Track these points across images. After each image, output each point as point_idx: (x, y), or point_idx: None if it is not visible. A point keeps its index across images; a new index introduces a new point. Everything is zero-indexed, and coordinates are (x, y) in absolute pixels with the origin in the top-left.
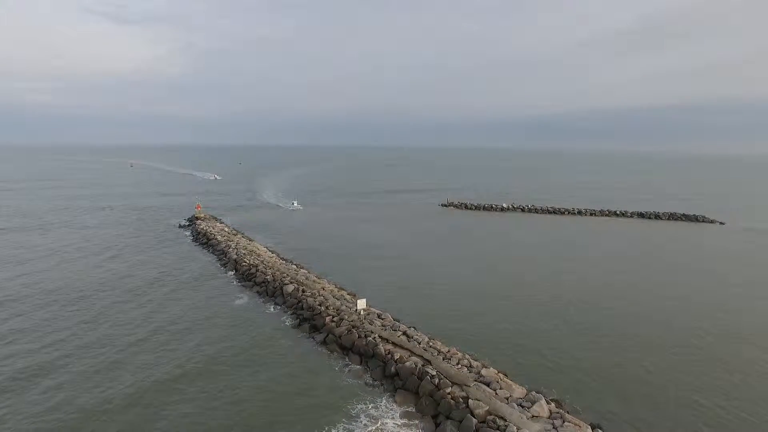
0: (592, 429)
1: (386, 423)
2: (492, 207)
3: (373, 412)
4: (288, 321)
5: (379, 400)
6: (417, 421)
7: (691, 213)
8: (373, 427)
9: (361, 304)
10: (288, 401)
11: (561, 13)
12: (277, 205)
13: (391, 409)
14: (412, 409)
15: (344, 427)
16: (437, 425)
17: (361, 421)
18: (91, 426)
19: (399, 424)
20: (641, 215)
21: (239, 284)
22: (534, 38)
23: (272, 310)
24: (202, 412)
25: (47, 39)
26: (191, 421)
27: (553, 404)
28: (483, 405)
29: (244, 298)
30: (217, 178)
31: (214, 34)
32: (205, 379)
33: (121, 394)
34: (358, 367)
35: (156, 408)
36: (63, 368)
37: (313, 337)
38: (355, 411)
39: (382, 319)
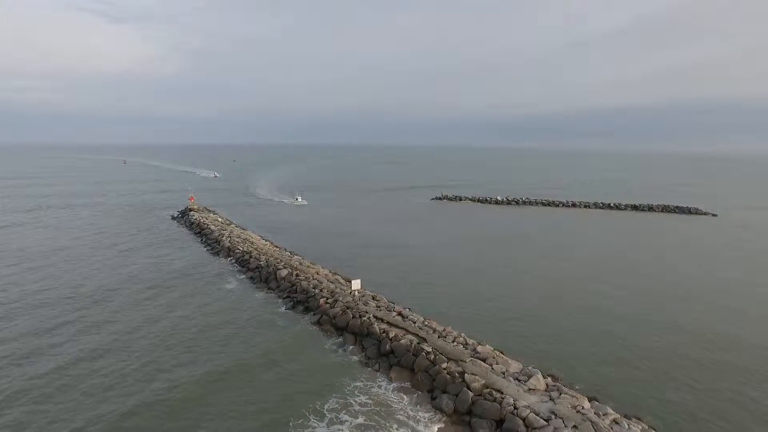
0: (589, 401)
1: (381, 398)
2: (486, 200)
3: (368, 388)
4: (282, 304)
5: (374, 377)
6: (413, 396)
7: (684, 206)
8: (369, 403)
9: (356, 284)
10: (281, 380)
11: (561, 13)
12: (281, 201)
13: (387, 386)
14: (407, 384)
15: (338, 402)
16: (433, 399)
17: (356, 397)
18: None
19: (394, 399)
20: (635, 207)
21: (233, 270)
22: (534, 38)
23: (266, 294)
24: (196, 395)
25: (37, 37)
26: (183, 403)
27: (549, 378)
28: (479, 379)
29: (237, 284)
30: (217, 175)
31: (206, 33)
32: (200, 364)
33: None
34: (353, 346)
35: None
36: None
37: (307, 318)
38: (349, 388)
39: (377, 300)
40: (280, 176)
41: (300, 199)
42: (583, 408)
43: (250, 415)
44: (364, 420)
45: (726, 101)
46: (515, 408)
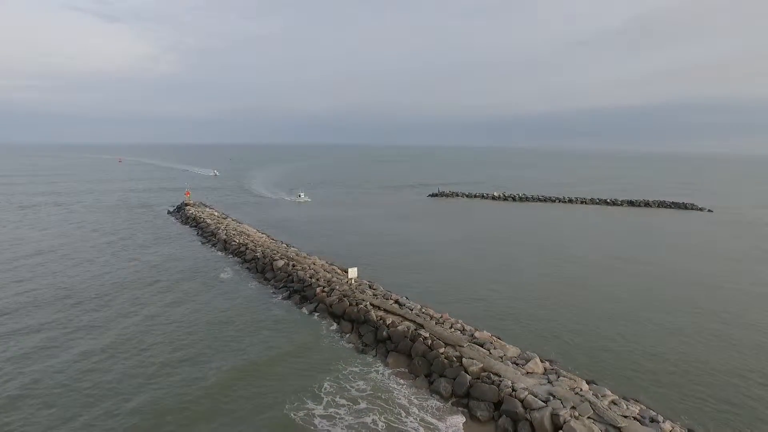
0: (587, 383)
1: (379, 384)
2: (483, 196)
3: (365, 374)
4: (278, 294)
5: (370, 362)
6: (410, 381)
7: (680, 201)
8: (367, 388)
9: (353, 273)
10: (278, 368)
11: (561, 13)
12: (282, 199)
13: (384, 371)
14: (404, 370)
15: (333, 385)
16: (431, 383)
17: (353, 383)
18: None
19: (392, 384)
20: (631, 203)
21: (229, 262)
22: (533, 37)
23: (262, 285)
24: (194, 389)
25: (33, 36)
26: (183, 398)
27: (547, 363)
28: (477, 363)
29: (233, 275)
30: (217, 174)
31: (205, 33)
32: (197, 357)
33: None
34: (350, 333)
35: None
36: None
37: (303, 307)
38: (346, 373)
39: (374, 289)
40: (281, 174)
41: (303, 196)
42: (581, 390)
43: (246, 401)
44: (365, 405)
45: (726, 101)
46: (513, 390)
